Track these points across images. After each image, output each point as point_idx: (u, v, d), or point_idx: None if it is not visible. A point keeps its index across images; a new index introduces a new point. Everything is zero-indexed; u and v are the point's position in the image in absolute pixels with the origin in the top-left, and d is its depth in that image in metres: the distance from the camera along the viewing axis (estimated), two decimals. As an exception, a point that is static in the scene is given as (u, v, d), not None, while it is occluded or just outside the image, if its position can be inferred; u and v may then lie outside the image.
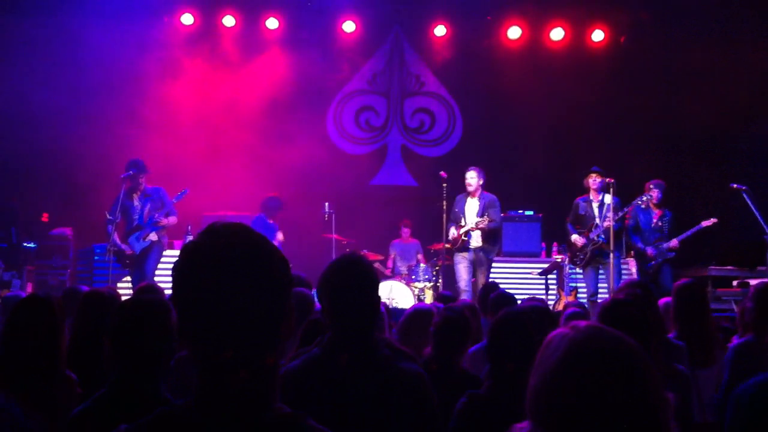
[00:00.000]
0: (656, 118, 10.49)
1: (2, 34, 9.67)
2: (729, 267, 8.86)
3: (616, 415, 1.19)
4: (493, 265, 8.51)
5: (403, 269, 9.63)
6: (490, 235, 8.04)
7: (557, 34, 11.00)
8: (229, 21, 10.74)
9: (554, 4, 10.94)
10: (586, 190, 8.03)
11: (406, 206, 10.68)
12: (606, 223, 7.59)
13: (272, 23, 10.80)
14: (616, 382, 1.20)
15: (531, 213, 9.95)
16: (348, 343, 2.17)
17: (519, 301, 4.49)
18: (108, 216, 7.52)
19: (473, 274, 8.04)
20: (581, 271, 8.09)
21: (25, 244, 9.15)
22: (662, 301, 4.37)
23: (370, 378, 2.13)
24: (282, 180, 9.89)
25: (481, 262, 8.00)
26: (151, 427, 1.22)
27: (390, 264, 10.03)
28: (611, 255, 7.51)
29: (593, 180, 7.88)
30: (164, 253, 7.82)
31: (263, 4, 10.83)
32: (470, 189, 8.09)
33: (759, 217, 7.39)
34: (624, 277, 8.45)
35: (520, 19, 10.96)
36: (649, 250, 7.94)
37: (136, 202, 7.67)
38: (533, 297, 5.84)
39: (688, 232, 7.98)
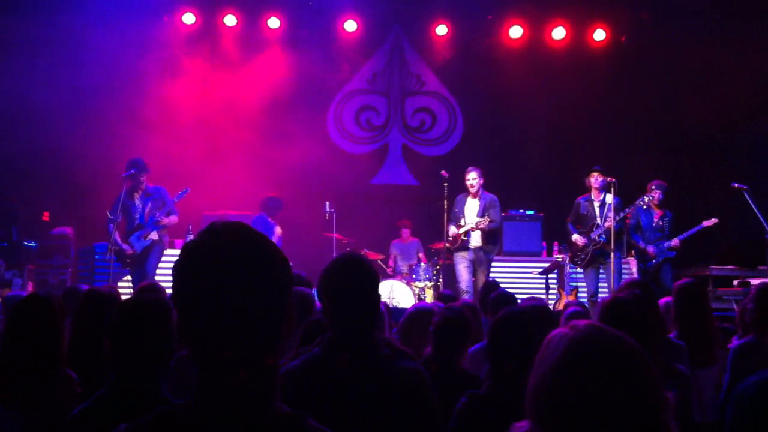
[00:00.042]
0: (657, 118, 10.49)
1: (2, 34, 9.67)
2: (730, 266, 8.86)
3: (616, 415, 1.19)
4: (494, 264, 8.51)
5: (404, 269, 9.63)
6: (490, 235, 8.03)
7: (558, 33, 10.99)
8: (229, 20, 10.74)
9: (555, 3, 10.93)
10: (587, 190, 8.03)
11: (407, 205, 10.69)
12: (607, 224, 7.59)
13: (273, 23, 10.80)
14: (615, 382, 1.20)
15: (532, 212, 9.94)
16: (348, 342, 2.17)
17: (519, 301, 4.48)
18: (109, 215, 7.52)
19: (473, 273, 8.04)
20: (582, 270, 8.09)
21: (25, 243, 9.15)
22: (663, 300, 4.36)
23: (370, 378, 2.13)
24: (282, 179, 9.89)
25: (480, 262, 8.01)
26: (150, 427, 1.22)
27: (391, 263, 10.03)
28: (612, 255, 7.52)
29: (595, 179, 7.87)
30: (165, 252, 7.82)
31: (264, 4, 10.83)
32: (473, 190, 8.09)
33: (760, 217, 7.39)
34: (624, 276, 8.44)
35: (520, 18, 10.96)
36: (650, 249, 7.95)
37: (137, 202, 7.67)
38: (532, 297, 5.84)
39: (689, 232, 7.99)
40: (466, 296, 7.62)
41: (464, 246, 8.02)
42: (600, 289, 7.86)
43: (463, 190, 8.22)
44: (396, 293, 8.83)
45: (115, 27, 9.89)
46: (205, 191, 9.09)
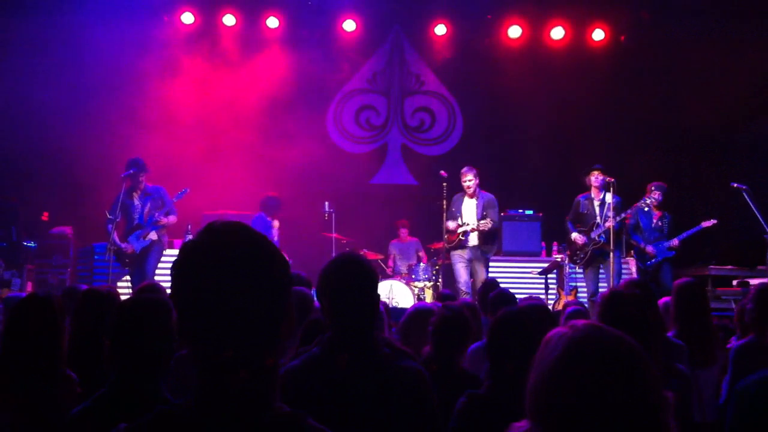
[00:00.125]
0: (656, 118, 10.49)
1: (2, 34, 9.66)
2: (729, 266, 8.87)
3: (616, 415, 1.19)
4: (493, 264, 8.52)
5: (403, 268, 9.63)
6: (488, 235, 8.04)
7: (558, 33, 10.99)
8: (229, 20, 10.74)
9: (555, 3, 10.94)
10: (587, 189, 8.03)
11: (406, 205, 10.69)
12: (608, 224, 7.59)
13: (272, 22, 10.80)
14: (615, 381, 1.20)
15: (531, 212, 9.94)
16: (348, 342, 2.17)
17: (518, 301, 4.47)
18: (108, 215, 7.51)
19: (471, 272, 8.05)
20: (581, 270, 8.09)
21: (25, 243, 9.15)
22: (662, 300, 4.36)
23: (370, 377, 2.13)
24: (282, 179, 9.89)
25: (478, 260, 8.02)
26: (150, 427, 1.22)
27: (391, 263, 10.03)
28: (612, 255, 7.52)
29: (595, 177, 7.88)
30: (164, 252, 7.82)
31: (263, 3, 10.83)
32: (470, 191, 8.10)
33: (759, 217, 7.39)
34: (624, 276, 8.45)
35: (520, 18, 10.96)
36: (650, 248, 7.95)
37: (137, 201, 7.66)
38: (531, 296, 5.83)
39: (689, 232, 7.99)
40: (464, 297, 7.62)
41: (462, 245, 8.03)
42: (600, 289, 7.85)
43: (463, 190, 8.22)
44: (395, 293, 8.83)
45: (115, 27, 9.89)
46: (204, 191, 9.08)
